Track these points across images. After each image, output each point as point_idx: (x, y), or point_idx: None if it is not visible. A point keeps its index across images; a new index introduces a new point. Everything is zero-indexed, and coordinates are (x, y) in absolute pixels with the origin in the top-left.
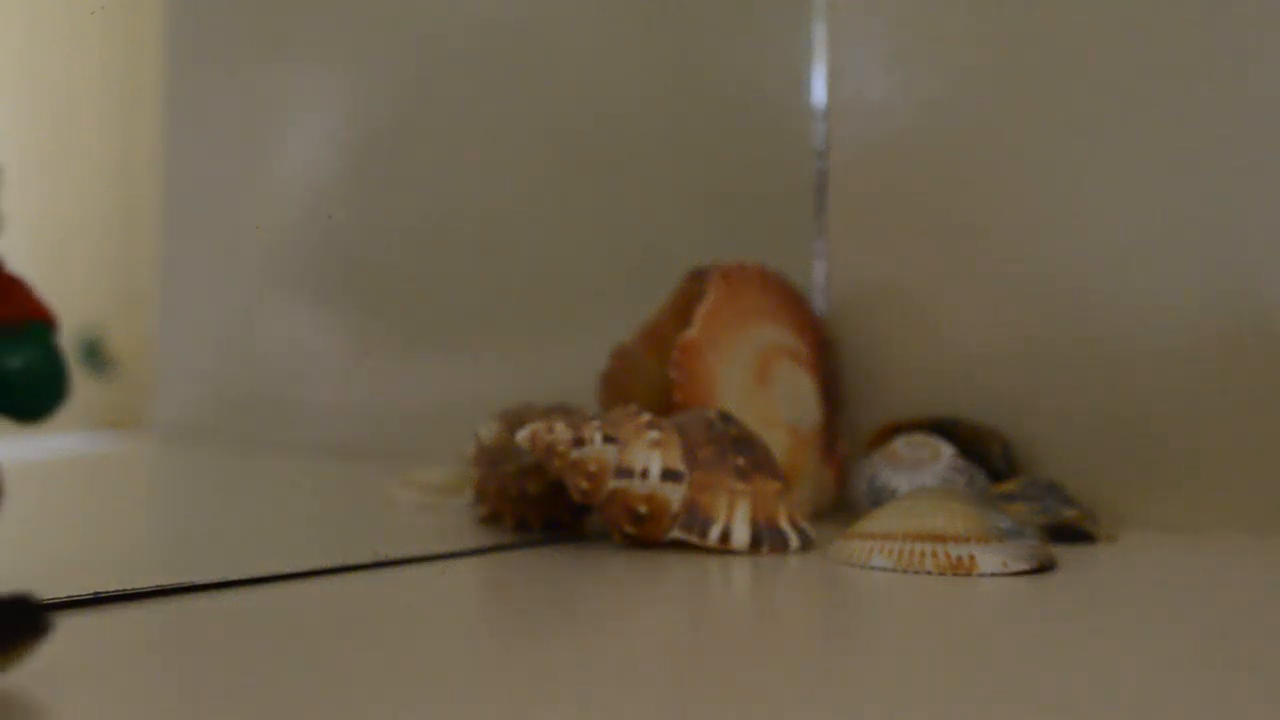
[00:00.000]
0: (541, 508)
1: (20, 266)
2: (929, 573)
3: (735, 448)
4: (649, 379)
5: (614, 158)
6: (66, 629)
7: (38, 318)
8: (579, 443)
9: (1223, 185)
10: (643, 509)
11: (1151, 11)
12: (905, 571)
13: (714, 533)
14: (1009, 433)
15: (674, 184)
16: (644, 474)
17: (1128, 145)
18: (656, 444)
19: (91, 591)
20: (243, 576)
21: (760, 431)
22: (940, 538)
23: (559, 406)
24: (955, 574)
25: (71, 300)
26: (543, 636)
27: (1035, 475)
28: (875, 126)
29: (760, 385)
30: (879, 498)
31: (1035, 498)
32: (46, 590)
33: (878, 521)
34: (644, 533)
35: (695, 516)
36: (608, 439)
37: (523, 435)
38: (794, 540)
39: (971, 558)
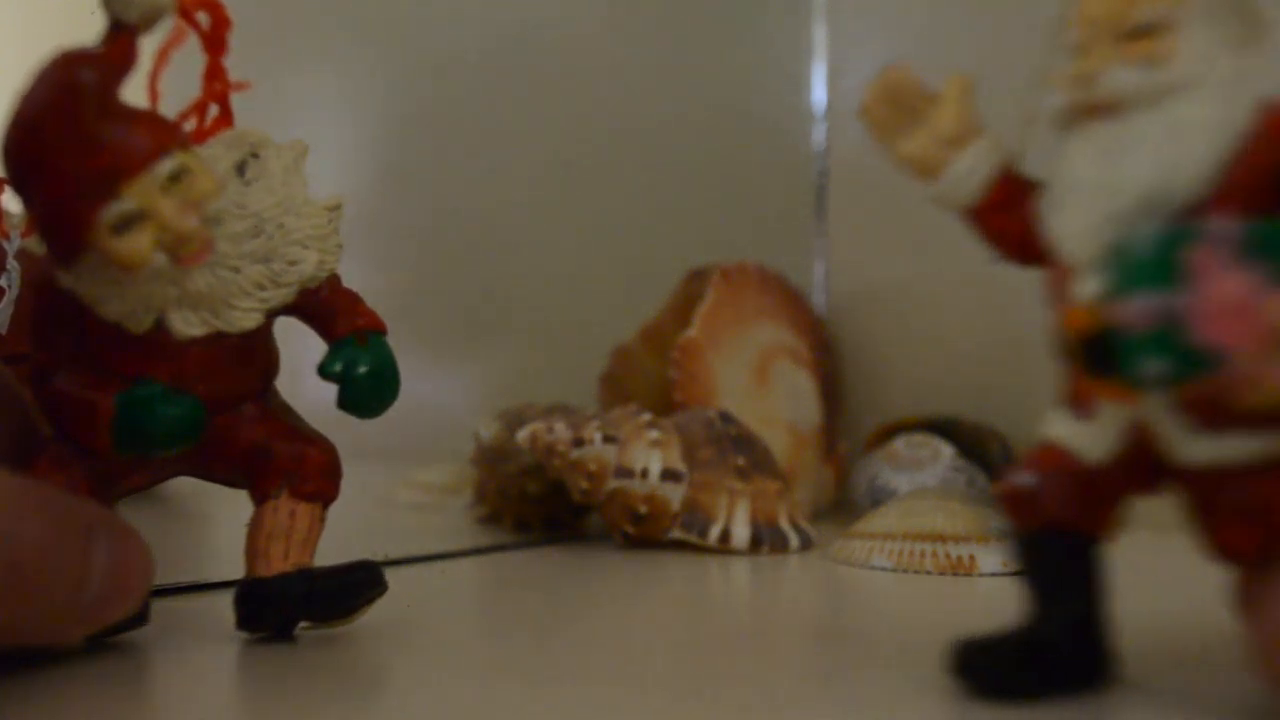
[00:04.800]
0: (541, 508)
1: None
2: (929, 573)
3: (735, 448)
4: (649, 379)
5: (614, 158)
6: None
7: (377, 328)
8: (579, 443)
9: None
10: (643, 509)
11: None
12: (905, 571)
13: (714, 533)
14: (1009, 433)
15: (675, 184)
16: (644, 474)
17: None
18: (656, 444)
19: None
20: (188, 582)
21: (760, 431)
22: (940, 538)
23: (559, 406)
24: (955, 574)
25: None
26: (542, 636)
27: None
28: None
29: (760, 385)
30: (879, 498)
31: None
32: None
33: (878, 521)
34: (644, 533)
35: (695, 516)
36: (608, 439)
37: (523, 435)
38: (794, 540)
39: (971, 558)
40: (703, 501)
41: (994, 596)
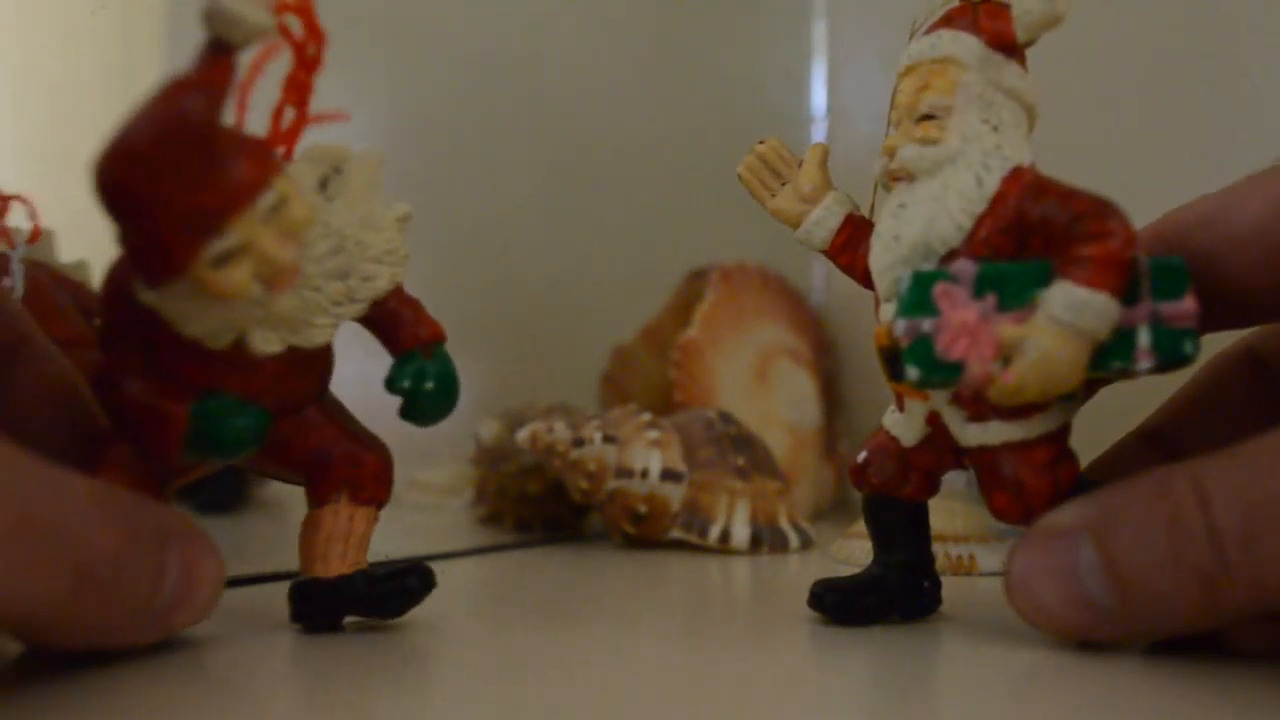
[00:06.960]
0: (541, 508)
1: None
2: None
3: (735, 448)
4: (649, 379)
5: (615, 159)
6: None
7: (439, 339)
8: (579, 443)
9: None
10: (642, 509)
11: (1145, 13)
12: None
13: (714, 533)
14: None
15: (675, 185)
16: (644, 474)
17: (1122, 145)
18: (656, 444)
19: None
20: (245, 575)
21: (760, 431)
22: (940, 538)
23: (559, 406)
24: (955, 574)
25: None
26: (542, 636)
27: None
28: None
29: (760, 385)
30: None
31: None
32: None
33: None
34: (644, 533)
35: (695, 516)
36: (608, 439)
37: (523, 435)
38: (794, 540)
39: (971, 557)
40: (703, 501)
41: (995, 595)
